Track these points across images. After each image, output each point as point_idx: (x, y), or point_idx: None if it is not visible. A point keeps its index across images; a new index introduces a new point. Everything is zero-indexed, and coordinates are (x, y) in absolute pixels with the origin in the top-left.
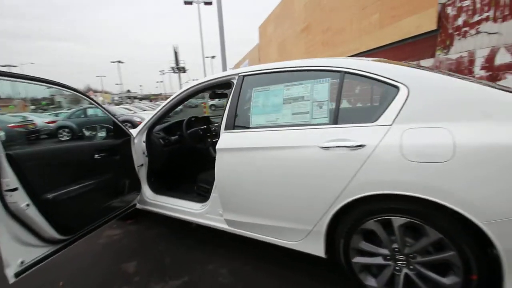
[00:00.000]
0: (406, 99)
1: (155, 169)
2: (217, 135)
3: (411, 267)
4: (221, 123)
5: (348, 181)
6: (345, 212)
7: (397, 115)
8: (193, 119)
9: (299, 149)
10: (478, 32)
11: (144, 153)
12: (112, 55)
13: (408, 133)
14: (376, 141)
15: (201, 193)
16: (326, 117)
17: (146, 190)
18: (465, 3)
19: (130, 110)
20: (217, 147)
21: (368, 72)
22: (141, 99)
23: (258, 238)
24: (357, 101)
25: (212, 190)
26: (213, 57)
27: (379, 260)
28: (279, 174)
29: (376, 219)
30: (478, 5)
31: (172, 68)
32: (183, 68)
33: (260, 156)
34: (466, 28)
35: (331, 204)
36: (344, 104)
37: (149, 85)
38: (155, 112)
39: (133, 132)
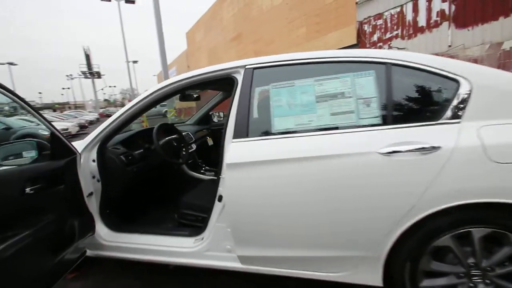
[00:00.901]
0: (470, 94)
1: (114, 197)
2: (188, 146)
3: (488, 281)
4: (225, 130)
5: (421, 193)
6: (412, 229)
7: (464, 111)
8: (164, 126)
9: (350, 157)
10: (390, 47)
11: (94, 177)
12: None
13: (486, 130)
14: (452, 142)
15: (188, 223)
16: (377, 117)
17: (100, 229)
18: (379, 22)
19: (32, 121)
20: (226, 161)
21: (420, 64)
22: (40, 109)
23: (287, 274)
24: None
25: (212, 219)
26: (135, 62)
27: (452, 280)
28: (323, 191)
29: (453, 233)
30: (389, 24)
31: (83, 73)
32: (98, 73)
33: (294, 169)
34: (380, 44)
35: (397, 223)
36: (389, 100)
37: (53, 92)
38: (110, 120)
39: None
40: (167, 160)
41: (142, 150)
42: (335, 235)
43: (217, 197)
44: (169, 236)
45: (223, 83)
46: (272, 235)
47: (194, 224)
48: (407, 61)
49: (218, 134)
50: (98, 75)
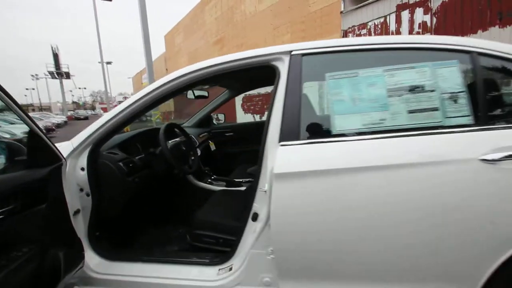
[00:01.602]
0: None
1: (110, 215)
2: (195, 151)
3: None
4: (265, 131)
5: None
6: None
7: None
8: (171, 127)
9: (441, 166)
10: None
11: (82, 190)
12: None
13: None
14: None
15: (205, 247)
16: (469, 115)
17: (89, 258)
18: (363, 32)
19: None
20: (275, 170)
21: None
22: None
23: None
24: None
25: (244, 242)
26: (108, 63)
27: None
28: (406, 209)
29: None
30: (373, 34)
31: (51, 73)
32: (67, 73)
33: (369, 182)
34: None
35: (502, 248)
36: (482, 95)
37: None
38: (105, 118)
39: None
40: (176, 167)
41: (143, 156)
42: (419, 266)
43: (250, 215)
44: (183, 265)
45: (255, 74)
46: (336, 266)
47: (213, 248)
48: (495, 51)
49: (220, 138)
50: (67, 75)
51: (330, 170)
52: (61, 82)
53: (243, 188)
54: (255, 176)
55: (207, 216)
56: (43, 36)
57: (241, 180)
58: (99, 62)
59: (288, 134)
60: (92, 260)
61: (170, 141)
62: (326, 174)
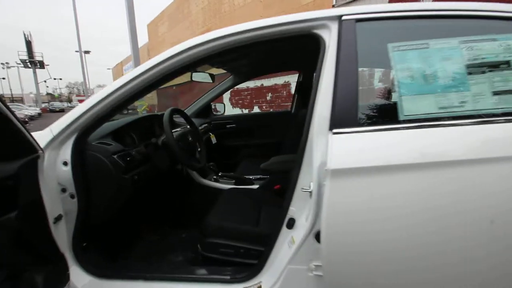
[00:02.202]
0: None
1: (101, 221)
2: (201, 141)
3: None
4: (309, 117)
5: None
6: None
7: None
8: (175, 113)
9: None
10: None
11: (64, 190)
12: None
13: None
14: None
15: (221, 259)
16: None
17: (77, 276)
18: None
19: None
20: (331, 166)
21: None
22: None
23: None
24: None
25: (278, 256)
26: (86, 52)
27: None
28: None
29: None
30: None
31: (23, 61)
32: (41, 62)
33: (457, 181)
34: None
35: None
36: None
37: None
38: (94, 99)
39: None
40: (183, 162)
41: (142, 147)
42: None
43: (285, 221)
44: (196, 284)
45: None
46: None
47: (232, 261)
48: None
49: (222, 130)
50: (41, 64)
51: (404, 166)
52: (34, 72)
53: (255, 187)
54: (293, 173)
55: (222, 221)
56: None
57: (251, 177)
58: (76, 51)
59: (343, 119)
60: (79, 279)
61: (179, 131)
62: (398, 171)
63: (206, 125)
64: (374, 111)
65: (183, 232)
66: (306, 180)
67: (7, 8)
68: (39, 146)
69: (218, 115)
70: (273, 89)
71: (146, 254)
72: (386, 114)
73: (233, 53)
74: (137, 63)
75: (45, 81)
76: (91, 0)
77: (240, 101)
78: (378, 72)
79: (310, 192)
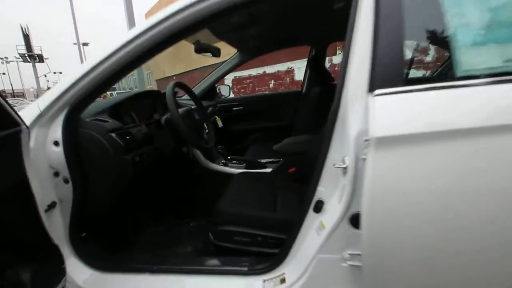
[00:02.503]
0: None
1: (100, 209)
2: (208, 120)
3: None
4: (342, 76)
5: None
6: None
7: None
8: (178, 87)
9: None
10: None
11: (57, 174)
12: None
13: None
14: None
15: (236, 248)
16: None
17: (75, 270)
18: None
19: None
20: (375, 133)
21: None
22: None
23: None
24: None
25: (304, 243)
26: (85, 44)
27: None
28: None
29: None
30: None
31: (22, 56)
32: (40, 56)
33: None
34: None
35: None
36: None
37: None
38: (84, 69)
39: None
40: (191, 142)
41: (144, 126)
42: None
43: (312, 203)
44: (209, 276)
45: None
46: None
47: (249, 250)
48: None
49: (228, 113)
50: (40, 58)
51: (469, 131)
52: (34, 66)
53: (268, 170)
54: (322, 147)
55: (236, 207)
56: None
57: (263, 160)
58: (74, 44)
59: (385, 77)
60: (79, 273)
61: (185, 108)
62: (462, 136)
63: (211, 108)
64: (425, 66)
65: (191, 221)
66: (338, 154)
67: (4, 2)
68: (22, 121)
69: (223, 97)
70: (276, 76)
71: (151, 245)
72: (439, 70)
73: (241, 16)
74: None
75: (45, 75)
76: None
77: (242, 89)
78: (428, 18)
79: (345, 168)
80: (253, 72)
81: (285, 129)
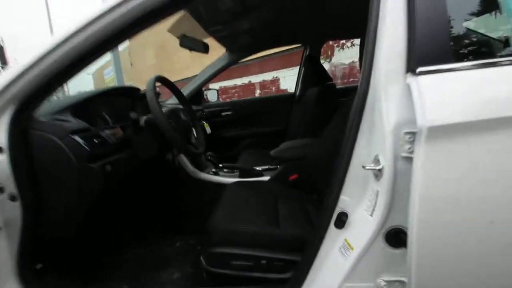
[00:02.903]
0: None
1: (62, 232)
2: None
3: None
4: (369, 59)
5: None
6: None
7: None
8: (160, 82)
9: None
10: (353, 45)
11: (2, 190)
12: None
13: None
14: None
15: (235, 275)
16: None
17: None
18: None
19: None
20: (424, 123)
21: None
22: None
23: None
24: None
25: (319, 266)
26: None
27: None
28: None
29: None
30: None
31: None
32: None
33: None
34: (343, 41)
35: None
36: None
37: None
38: (35, 56)
39: None
40: (177, 145)
41: (119, 129)
42: None
43: (333, 217)
44: None
45: None
46: None
47: (250, 277)
48: None
49: (217, 119)
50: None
51: None
52: None
53: (265, 178)
54: (343, 146)
55: (231, 223)
56: None
57: (258, 168)
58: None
59: (429, 52)
60: None
61: (169, 106)
62: None
63: (198, 113)
64: (479, 37)
65: (177, 240)
66: (366, 153)
67: None
68: None
69: (211, 103)
70: (261, 85)
71: (129, 273)
72: (496, 42)
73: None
74: (117, 67)
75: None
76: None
77: (228, 99)
78: None
79: (378, 170)
80: (239, 82)
81: (278, 134)
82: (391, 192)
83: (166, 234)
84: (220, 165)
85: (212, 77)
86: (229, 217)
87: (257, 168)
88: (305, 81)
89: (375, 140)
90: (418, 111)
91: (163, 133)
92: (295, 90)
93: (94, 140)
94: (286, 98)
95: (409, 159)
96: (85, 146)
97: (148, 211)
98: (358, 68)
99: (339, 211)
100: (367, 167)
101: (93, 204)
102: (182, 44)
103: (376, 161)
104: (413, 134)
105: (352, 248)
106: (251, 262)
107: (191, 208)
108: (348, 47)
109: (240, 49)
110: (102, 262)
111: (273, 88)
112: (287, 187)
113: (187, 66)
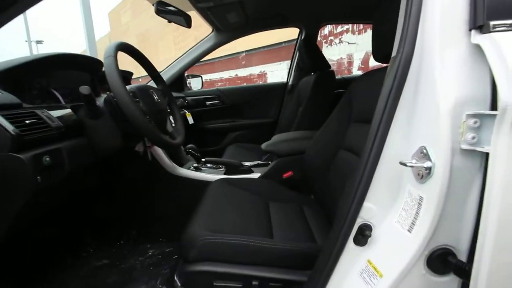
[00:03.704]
0: None
1: None
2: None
3: None
4: (404, 15)
5: None
6: None
7: None
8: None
9: None
10: (341, 42)
11: None
12: None
13: None
14: None
15: None
16: None
17: None
18: None
19: None
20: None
21: None
22: None
23: None
24: None
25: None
26: (39, 42)
27: None
28: None
29: None
30: None
31: None
32: None
33: None
34: (332, 37)
35: None
36: None
37: None
38: None
39: None
40: (148, 134)
41: (69, 110)
42: None
43: (353, 230)
44: None
45: None
46: None
47: None
48: None
49: (200, 108)
50: None
51: None
52: None
53: (255, 175)
54: (370, 135)
55: (214, 233)
56: None
57: (247, 163)
58: (26, 41)
59: (507, 1)
60: None
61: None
62: None
63: (180, 100)
64: None
65: (149, 248)
66: (405, 145)
67: None
68: None
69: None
70: (248, 79)
71: None
72: None
73: None
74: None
75: None
76: None
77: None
78: None
79: (426, 168)
80: (225, 75)
81: (269, 126)
82: (444, 199)
83: (136, 241)
84: (203, 160)
85: (196, 61)
86: (211, 225)
87: (246, 164)
88: (299, 68)
89: (420, 126)
90: (501, 81)
91: (128, 117)
92: (287, 79)
93: (25, 120)
94: (278, 87)
95: (472, 154)
96: (6, 129)
97: (111, 216)
98: (346, 64)
99: (360, 223)
100: (408, 164)
101: (27, 206)
102: (158, 12)
103: (422, 155)
104: (479, 117)
105: (380, 275)
106: (239, 283)
107: (168, 209)
108: (336, 43)
109: (228, 31)
110: (50, 277)
111: (260, 82)
112: (280, 185)
113: (172, 57)
